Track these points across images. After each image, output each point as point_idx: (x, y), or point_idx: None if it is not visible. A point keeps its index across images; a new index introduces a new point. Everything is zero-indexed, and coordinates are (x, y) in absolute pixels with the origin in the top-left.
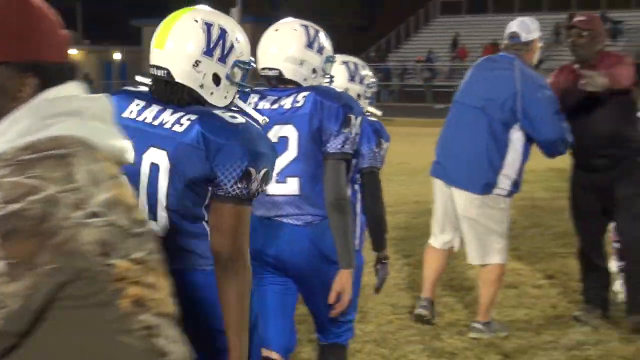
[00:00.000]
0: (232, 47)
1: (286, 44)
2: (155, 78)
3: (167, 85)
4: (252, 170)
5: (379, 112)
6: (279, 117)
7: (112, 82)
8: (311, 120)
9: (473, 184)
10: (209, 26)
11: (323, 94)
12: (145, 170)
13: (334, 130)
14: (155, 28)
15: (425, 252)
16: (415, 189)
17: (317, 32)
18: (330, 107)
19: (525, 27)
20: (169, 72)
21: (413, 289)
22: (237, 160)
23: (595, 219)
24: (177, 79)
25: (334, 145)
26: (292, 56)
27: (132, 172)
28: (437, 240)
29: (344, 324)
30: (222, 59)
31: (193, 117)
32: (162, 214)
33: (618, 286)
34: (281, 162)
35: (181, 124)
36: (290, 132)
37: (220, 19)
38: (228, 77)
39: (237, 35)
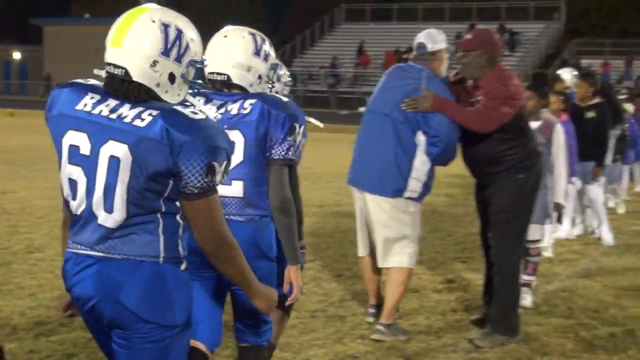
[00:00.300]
0: (187, 47)
1: (235, 51)
2: (110, 75)
3: (124, 83)
4: (215, 164)
5: (320, 125)
6: (226, 122)
7: (12, 81)
8: (258, 127)
9: (384, 189)
10: (166, 27)
11: (270, 103)
12: (103, 162)
13: (279, 138)
14: (56, 28)
15: (359, 264)
16: (318, 194)
17: (263, 40)
18: (277, 116)
19: (431, 38)
20: (126, 71)
21: (316, 294)
22: (200, 155)
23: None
24: (135, 78)
25: (278, 152)
26: (240, 62)
27: (88, 163)
28: (363, 248)
29: (266, 323)
30: (178, 59)
31: (154, 112)
32: (119, 206)
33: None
34: None
35: (142, 119)
36: (236, 137)
37: (177, 20)
38: (183, 76)
39: (192, 35)
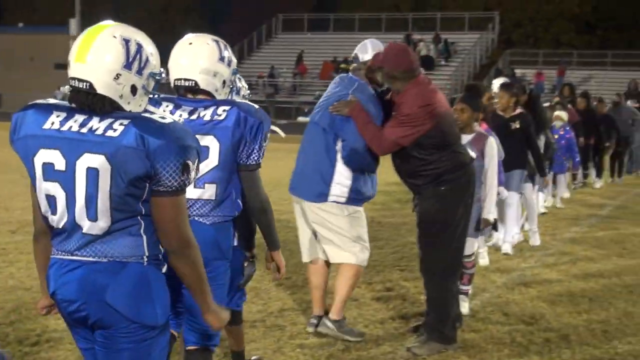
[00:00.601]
0: (147, 60)
1: (201, 57)
2: (75, 89)
3: (89, 96)
4: (189, 162)
5: (282, 134)
6: (199, 128)
7: None
8: (234, 133)
9: (309, 194)
10: (127, 42)
11: (245, 110)
12: (81, 174)
13: (256, 144)
14: None
15: (306, 271)
16: None
17: (225, 46)
18: (254, 122)
19: (363, 48)
20: (91, 85)
21: (255, 304)
22: (175, 156)
23: None
24: (99, 91)
25: (253, 157)
26: (206, 68)
27: (65, 178)
28: (306, 255)
29: None
30: (139, 72)
31: (125, 121)
32: (103, 213)
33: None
34: (201, 169)
35: (114, 129)
36: (211, 142)
37: (136, 35)
38: (144, 88)
39: (151, 50)
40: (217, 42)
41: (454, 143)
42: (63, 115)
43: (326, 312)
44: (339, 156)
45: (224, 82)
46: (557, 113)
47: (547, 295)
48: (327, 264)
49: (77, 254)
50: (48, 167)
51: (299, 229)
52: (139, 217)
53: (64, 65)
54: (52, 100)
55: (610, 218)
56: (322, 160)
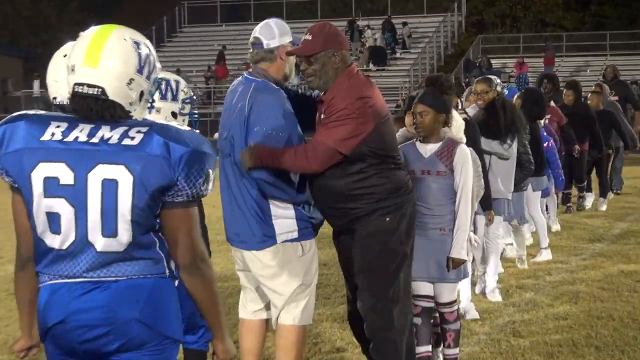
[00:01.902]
0: (154, 65)
1: None
2: (81, 95)
3: (98, 102)
4: (210, 170)
5: None
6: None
7: None
8: None
9: (252, 241)
10: (137, 45)
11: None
12: (95, 187)
13: None
14: None
15: (239, 332)
16: None
17: None
18: None
19: (268, 30)
20: (103, 90)
21: None
22: (200, 164)
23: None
24: (111, 96)
25: None
26: None
27: (73, 192)
28: (244, 310)
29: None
30: (149, 77)
31: (143, 129)
32: (124, 227)
33: None
34: None
35: (132, 137)
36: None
37: (142, 38)
38: (150, 93)
39: (154, 53)
40: None
41: (395, 156)
42: (64, 125)
43: None
44: None
45: None
46: None
47: (543, 345)
48: (267, 322)
49: (91, 276)
50: (51, 182)
51: (242, 283)
52: (152, 233)
53: None
54: (41, 111)
55: (618, 245)
56: (253, 197)
